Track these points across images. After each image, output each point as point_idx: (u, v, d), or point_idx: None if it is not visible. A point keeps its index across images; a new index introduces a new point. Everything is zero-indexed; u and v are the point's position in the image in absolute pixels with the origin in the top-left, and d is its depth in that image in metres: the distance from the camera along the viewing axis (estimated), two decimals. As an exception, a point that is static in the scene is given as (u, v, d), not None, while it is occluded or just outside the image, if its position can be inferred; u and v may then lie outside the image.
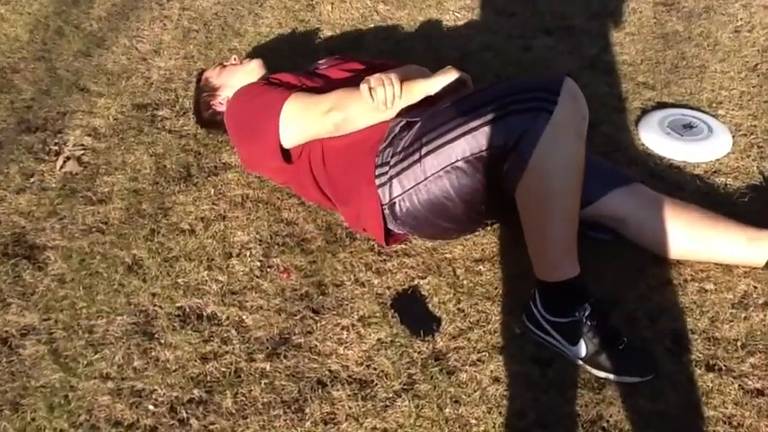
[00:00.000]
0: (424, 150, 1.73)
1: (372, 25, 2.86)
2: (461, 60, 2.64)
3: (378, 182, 1.80)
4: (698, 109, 2.36)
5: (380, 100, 1.82)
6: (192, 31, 2.86)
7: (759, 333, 1.66)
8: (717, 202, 1.99)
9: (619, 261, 1.85)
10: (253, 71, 2.15)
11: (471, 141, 1.66)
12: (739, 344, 1.65)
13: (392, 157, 1.79)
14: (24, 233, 2.04)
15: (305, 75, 2.14)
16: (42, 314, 1.82)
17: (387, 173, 1.79)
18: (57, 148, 2.32)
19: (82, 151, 2.30)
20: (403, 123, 1.82)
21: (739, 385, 1.56)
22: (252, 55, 2.67)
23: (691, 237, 1.80)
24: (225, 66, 2.21)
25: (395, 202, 1.80)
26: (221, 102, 2.15)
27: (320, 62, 2.31)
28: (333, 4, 2.97)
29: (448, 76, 1.88)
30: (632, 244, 1.86)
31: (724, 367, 1.60)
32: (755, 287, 1.76)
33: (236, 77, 2.14)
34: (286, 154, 1.95)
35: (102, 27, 2.90)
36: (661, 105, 2.39)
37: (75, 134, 2.38)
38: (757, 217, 1.90)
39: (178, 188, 2.15)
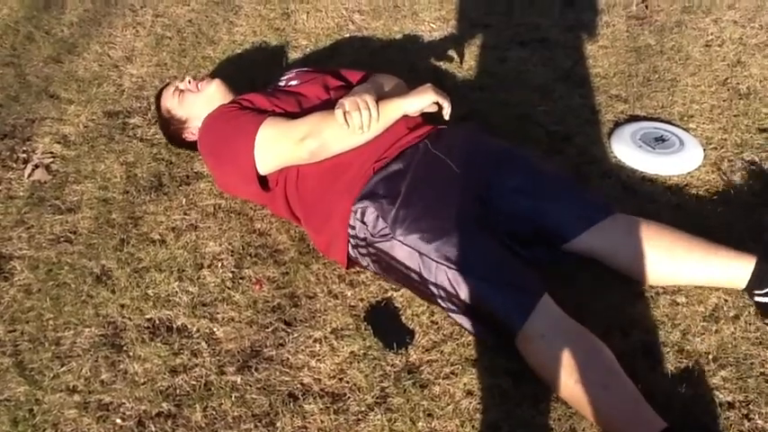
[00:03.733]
0: (399, 239, 1.73)
1: (348, 35, 2.85)
2: (436, 71, 2.65)
3: (351, 242, 1.81)
4: (669, 122, 2.38)
5: (356, 125, 1.80)
6: (166, 39, 2.83)
7: (730, 346, 1.67)
8: (688, 215, 2.00)
9: (591, 272, 1.84)
10: (214, 96, 2.08)
11: (451, 280, 1.66)
12: (711, 357, 1.65)
13: (368, 235, 1.77)
14: (-11, 242, 2.00)
15: (277, 94, 2.09)
16: (8, 326, 1.79)
17: (360, 245, 1.80)
18: (25, 155, 2.28)
19: (51, 159, 2.26)
20: (383, 181, 1.82)
21: (711, 398, 1.57)
22: (219, 69, 2.65)
23: (671, 265, 1.77)
24: (181, 90, 2.11)
25: (361, 260, 1.84)
26: (193, 132, 2.11)
27: (291, 74, 2.25)
28: (308, 13, 2.96)
29: (425, 98, 1.87)
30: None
31: (696, 381, 1.61)
32: (726, 300, 1.77)
33: (198, 106, 2.07)
34: (263, 180, 1.93)
35: (73, 33, 2.86)
36: (633, 118, 2.41)
37: (44, 142, 2.34)
38: (727, 230, 1.92)
39: (149, 197, 2.12)
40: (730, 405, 1.55)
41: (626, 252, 1.79)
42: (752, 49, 2.71)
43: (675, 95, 2.50)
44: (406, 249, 1.72)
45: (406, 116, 1.91)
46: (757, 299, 1.73)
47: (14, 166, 2.25)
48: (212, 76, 2.43)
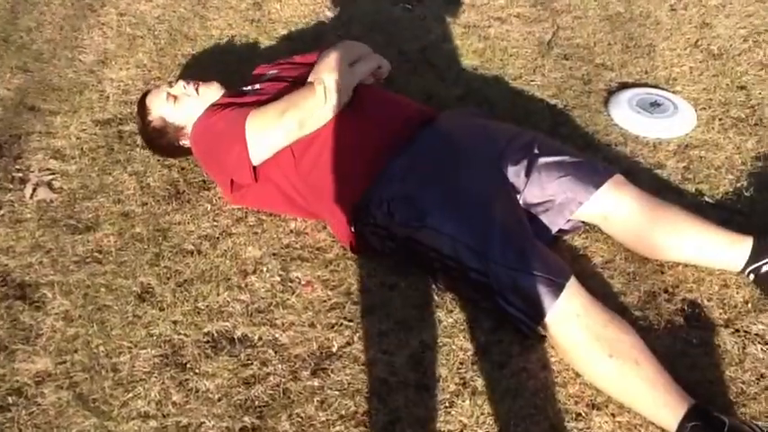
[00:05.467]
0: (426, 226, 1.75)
1: (326, 21, 2.82)
2: (424, 52, 2.66)
3: (367, 228, 1.84)
4: (657, 87, 2.49)
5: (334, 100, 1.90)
6: (138, 38, 2.71)
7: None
8: (696, 173, 2.12)
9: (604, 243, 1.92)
10: (213, 96, 2.06)
11: (479, 265, 1.68)
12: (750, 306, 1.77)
13: (389, 224, 1.80)
14: (9, 271, 1.89)
15: (258, 87, 2.09)
16: (55, 357, 1.70)
17: (380, 232, 1.82)
18: (21, 174, 2.15)
19: (51, 176, 2.14)
20: (392, 167, 1.84)
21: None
22: (203, 66, 2.56)
23: (669, 236, 1.81)
24: (176, 96, 2.05)
25: (377, 245, 1.87)
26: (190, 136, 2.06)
27: (268, 67, 2.24)
28: (281, 1, 2.89)
29: (370, 62, 2.09)
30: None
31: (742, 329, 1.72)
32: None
33: (199, 111, 2.03)
34: (255, 174, 1.92)
35: (34, 39, 2.69)
36: (623, 85, 2.50)
37: (36, 158, 2.21)
38: (732, 187, 2.05)
39: (170, 207, 2.04)
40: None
41: (628, 219, 1.83)
42: (713, 11, 2.86)
43: (656, 60, 2.62)
44: (430, 236, 1.74)
45: (398, 104, 2.00)
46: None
47: (12, 186, 2.11)
48: (207, 75, 2.35)
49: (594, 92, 2.48)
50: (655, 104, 2.37)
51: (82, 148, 2.23)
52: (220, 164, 1.96)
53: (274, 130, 1.88)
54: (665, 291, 1.79)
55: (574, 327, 1.59)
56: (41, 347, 1.71)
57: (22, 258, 1.91)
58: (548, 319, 1.60)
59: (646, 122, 2.31)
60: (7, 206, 2.06)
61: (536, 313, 1.61)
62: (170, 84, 2.10)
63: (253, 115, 1.90)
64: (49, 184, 2.11)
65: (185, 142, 2.07)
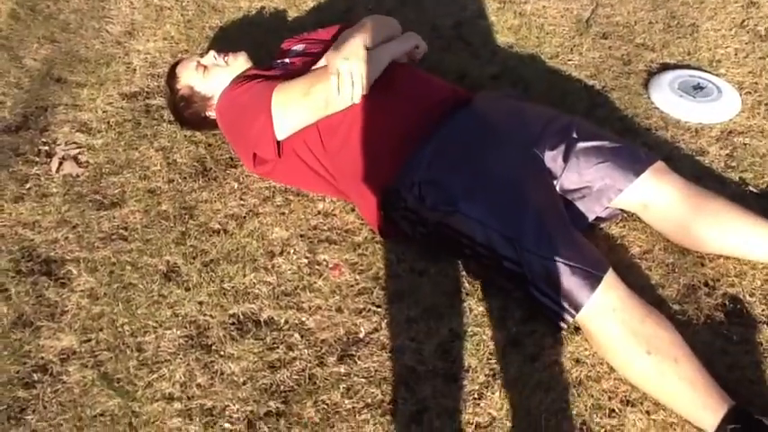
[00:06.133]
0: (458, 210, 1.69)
1: (358, -6, 2.74)
2: (457, 28, 2.58)
3: (398, 213, 1.79)
4: (700, 69, 2.40)
5: (346, 95, 1.80)
6: (165, 9, 2.66)
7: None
8: (739, 161, 2.04)
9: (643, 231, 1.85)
10: (242, 69, 2.01)
11: (517, 253, 1.62)
12: (794, 302, 1.70)
13: (421, 209, 1.74)
14: (34, 246, 1.87)
15: (286, 61, 2.05)
16: (80, 335, 1.68)
17: (412, 218, 1.77)
18: (47, 148, 2.12)
19: (77, 150, 2.11)
20: (425, 152, 1.77)
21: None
22: (232, 39, 2.51)
23: (711, 227, 1.74)
24: (206, 66, 2.01)
25: (409, 231, 1.82)
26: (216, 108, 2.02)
27: (298, 40, 2.18)
28: (311, -27, 2.82)
29: (408, 41, 2.02)
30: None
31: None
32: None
33: (226, 81, 1.99)
34: (279, 149, 1.88)
35: (61, 9, 2.65)
36: (664, 67, 2.41)
37: (63, 131, 2.18)
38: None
39: (197, 184, 2.01)
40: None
41: (669, 206, 1.77)
42: (761, -11, 2.74)
43: (699, 41, 2.51)
44: (461, 221, 1.68)
45: (432, 84, 1.92)
46: None
47: (38, 160, 2.09)
48: (235, 48, 2.31)
49: (634, 73, 2.39)
50: (697, 87, 2.28)
51: (108, 122, 2.20)
52: (244, 136, 1.92)
53: (300, 106, 1.84)
54: (706, 284, 1.73)
55: (610, 321, 1.53)
56: (66, 324, 1.70)
57: (48, 234, 1.89)
58: (583, 313, 1.54)
59: (688, 106, 2.22)
60: (33, 180, 2.03)
61: (571, 305, 1.55)
62: (201, 54, 2.07)
63: (279, 89, 1.85)
64: (76, 158, 2.08)
65: (211, 113, 2.03)
